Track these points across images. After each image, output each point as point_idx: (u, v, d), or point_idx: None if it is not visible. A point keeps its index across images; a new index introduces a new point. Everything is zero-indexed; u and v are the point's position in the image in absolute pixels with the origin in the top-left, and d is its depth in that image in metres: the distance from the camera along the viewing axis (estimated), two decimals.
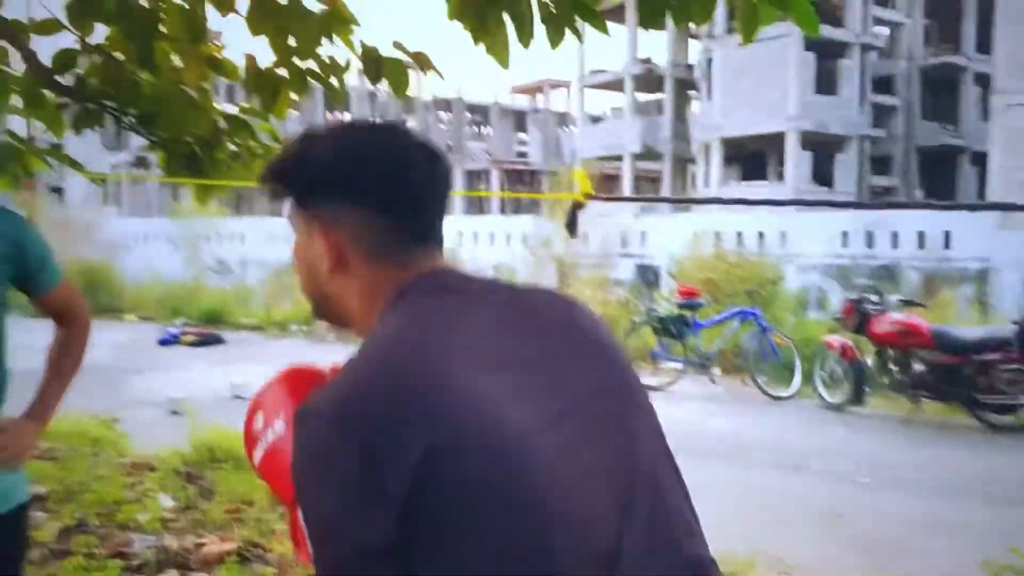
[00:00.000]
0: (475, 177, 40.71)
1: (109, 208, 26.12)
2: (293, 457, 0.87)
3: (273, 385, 1.07)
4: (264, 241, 16.52)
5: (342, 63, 3.08)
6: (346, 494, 0.82)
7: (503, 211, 37.12)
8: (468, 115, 45.23)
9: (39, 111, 3.15)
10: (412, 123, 45.44)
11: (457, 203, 38.90)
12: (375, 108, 45.55)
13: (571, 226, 1.21)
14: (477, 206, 40.09)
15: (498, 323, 0.96)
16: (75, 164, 2.24)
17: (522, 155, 44.85)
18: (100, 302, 13.13)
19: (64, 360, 1.91)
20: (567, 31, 3.16)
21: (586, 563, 0.86)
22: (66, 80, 3.04)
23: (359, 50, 2.98)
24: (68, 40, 2.88)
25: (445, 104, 44.04)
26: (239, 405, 6.89)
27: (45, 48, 2.93)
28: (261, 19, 2.96)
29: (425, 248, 1.00)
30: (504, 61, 3.21)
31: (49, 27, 2.98)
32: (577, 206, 1.20)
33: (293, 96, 3.19)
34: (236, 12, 3.16)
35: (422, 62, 3.01)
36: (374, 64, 2.94)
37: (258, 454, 1.04)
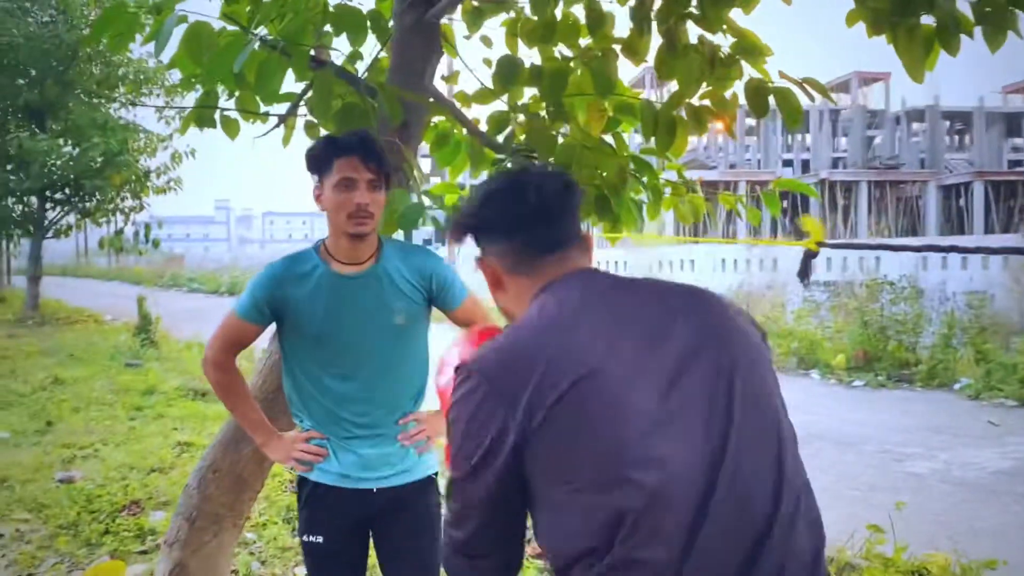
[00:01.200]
0: (954, 192, 36.19)
1: None
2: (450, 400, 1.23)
3: (460, 342, 1.51)
4: (714, 268, 16.83)
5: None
6: (479, 433, 1.16)
7: (987, 229, 32.39)
8: (946, 123, 40.50)
9: (480, 167, 3.71)
10: (879, 137, 42.21)
11: (931, 220, 35.00)
12: (838, 124, 43.37)
13: (803, 275, 1.10)
14: (957, 224, 35.57)
15: (621, 305, 1.23)
16: None
17: (1016, 164, 38.69)
18: None
19: None
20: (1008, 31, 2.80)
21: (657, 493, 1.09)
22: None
23: (775, 80, 2.98)
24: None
25: (918, 114, 40.07)
26: None
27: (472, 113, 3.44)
28: (669, 63, 3.13)
29: (554, 255, 1.31)
30: (918, 76, 2.94)
31: (486, 97, 3.53)
32: (810, 255, 1.11)
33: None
34: (646, 61, 3.39)
35: (813, 88, 2.88)
36: (758, 95, 2.91)
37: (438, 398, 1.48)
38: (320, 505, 2.11)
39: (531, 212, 1.30)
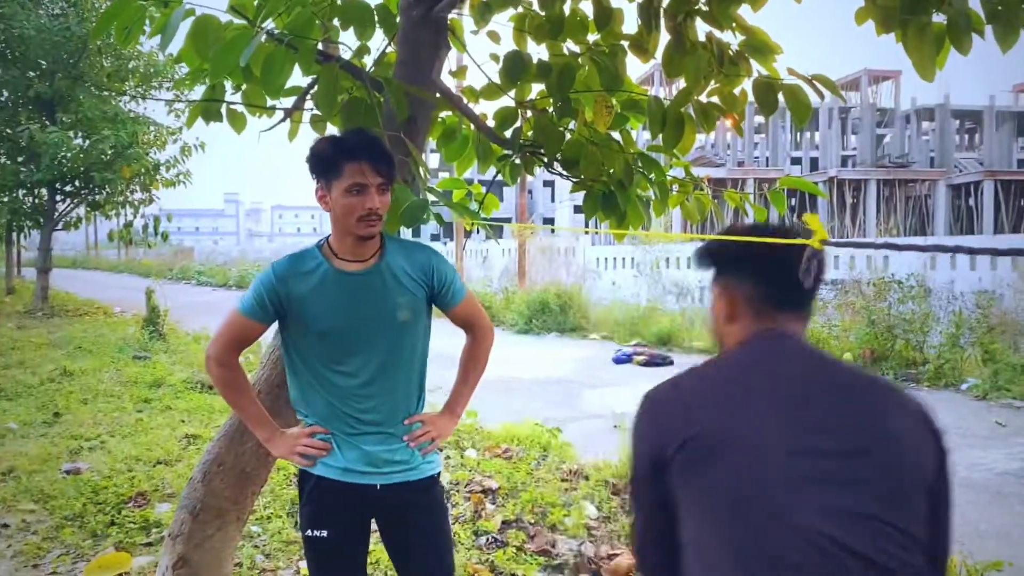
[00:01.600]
0: (964, 191, 36.00)
1: (586, 237, 28.82)
2: None
3: None
4: None
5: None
6: (641, 450, 1.36)
7: (997, 228, 32.23)
8: (956, 122, 40.28)
9: (488, 163, 3.70)
10: (889, 136, 41.99)
11: (940, 219, 34.83)
12: (848, 122, 43.18)
13: (805, 275, 1.11)
14: (966, 223, 35.41)
15: (791, 384, 1.33)
16: (474, 215, 2.60)
17: None
18: (569, 321, 14.64)
19: (470, 366, 2.37)
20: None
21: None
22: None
23: (783, 78, 2.97)
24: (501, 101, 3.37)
25: (928, 112, 39.85)
26: None
27: (480, 108, 3.43)
28: (677, 61, 3.12)
29: (784, 312, 1.44)
30: (928, 74, 2.92)
31: (494, 92, 3.52)
32: (812, 254, 1.11)
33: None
34: (654, 58, 3.38)
35: (823, 85, 2.87)
36: (768, 93, 2.89)
37: None
38: (323, 500, 2.12)
39: (783, 268, 1.41)
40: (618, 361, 11.12)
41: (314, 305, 2.06)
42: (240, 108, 2.98)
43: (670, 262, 17.33)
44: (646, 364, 10.86)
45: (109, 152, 15.36)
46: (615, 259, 19.57)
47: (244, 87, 2.99)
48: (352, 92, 2.87)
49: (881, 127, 41.75)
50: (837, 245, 1.05)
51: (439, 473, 2.27)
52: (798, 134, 44.45)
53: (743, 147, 40.94)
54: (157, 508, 4.47)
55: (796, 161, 42.70)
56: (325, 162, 2.04)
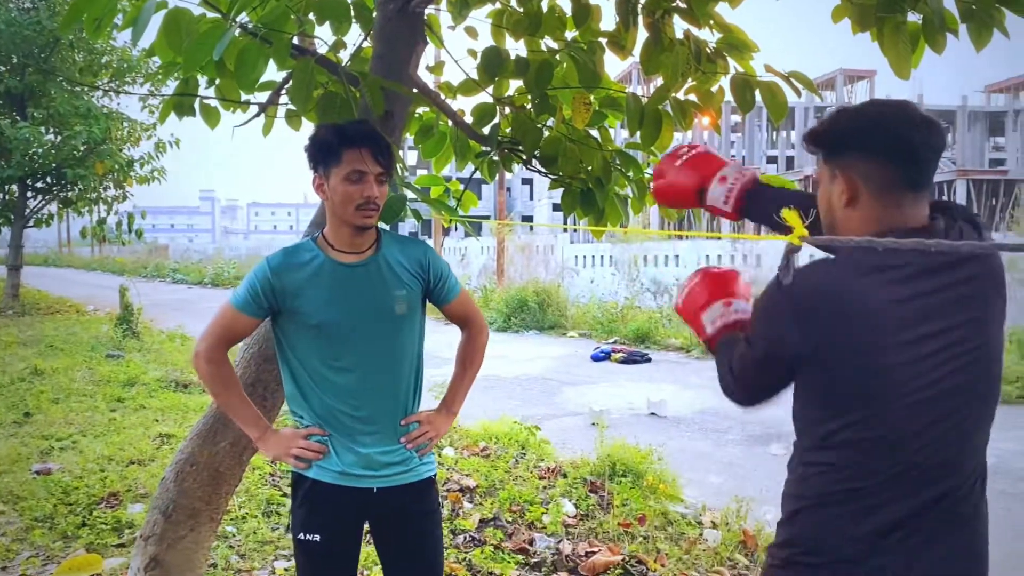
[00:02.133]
0: (936, 190, 36.44)
1: (565, 235, 28.87)
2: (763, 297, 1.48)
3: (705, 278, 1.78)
4: (698, 262, 16.87)
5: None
6: (779, 326, 1.41)
7: None
8: None
9: (465, 160, 3.68)
10: None
11: None
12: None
13: (784, 270, 1.10)
14: None
15: (924, 278, 1.33)
16: (452, 212, 2.58)
17: (998, 163, 39.02)
18: (548, 319, 14.64)
19: (467, 362, 2.35)
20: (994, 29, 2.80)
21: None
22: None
23: (760, 75, 2.97)
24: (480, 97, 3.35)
25: None
26: (653, 422, 7.21)
27: (457, 104, 3.40)
28: (655, 58, 3.12)
29: (916, 194, 1.40)
30: (904, 73, 2.94)
31: (471, 88, 3.50)
32: (792, 249, 1.10)
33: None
34: (632, 56, 3.37)
35: (800, 82, 2.87)
36: (744, 90, 2.90)
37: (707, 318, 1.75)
38: (319, 503, 2.07)
39: (916, 145, 1.39)
40: (596, 359, 11.14)
41: (310, 297, 2.02)
42: (214, 103, 2.94)
43: (647, 260, 17.39)
44: (624, 361, 10.89)
45: (81, 148, 15.15)
46: (593, 257, 19.60)
47: (218, 81, 2.94)
48: (328, 87, 2.84)
49: None
50: (817, 242, 1.04)
51: (435, 475, 2.24)
52: (774, 133, 44.80)
53: (720, 145, 41.18)
54: (130, 509, 4.41)
55: (772, 160, 43.03)
56: (325, 149, 2.00)
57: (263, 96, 3.02)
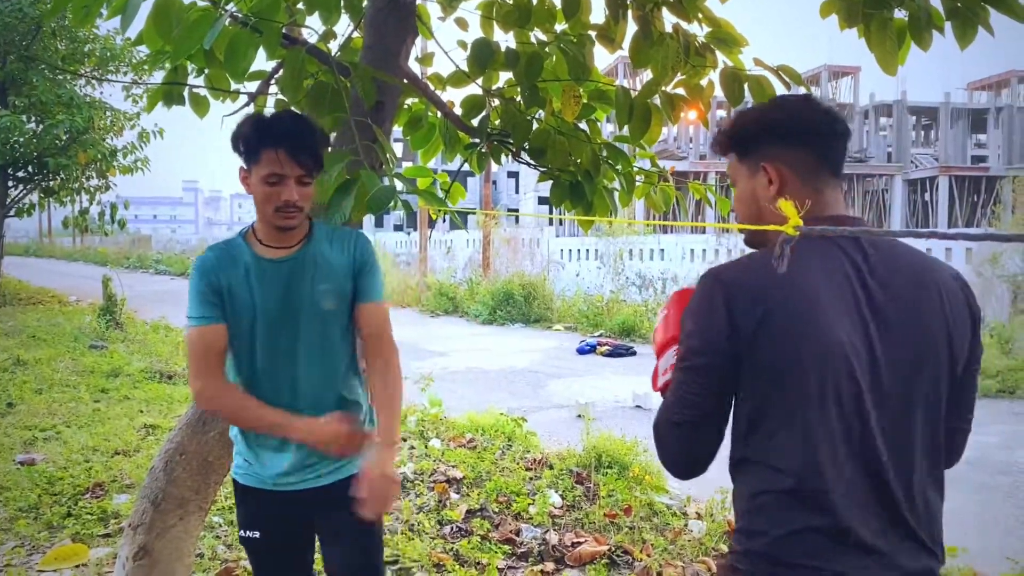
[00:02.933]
0: (919, 186, 36.74)
1: (551, 228, 28.93)
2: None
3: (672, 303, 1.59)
4: (683, 256, 16.93)
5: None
6: (710, 322, 1.36)
7: (951, 223, 32.97)
8: (912, 118, 41.05)
9: (454, 151, 3.68)
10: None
11: (897, 214, 35.51)
12: None
13: (779, 259, 1.10)
14: (922, 217, 36.16)
15: (850, 263, 1.37)
16: (442, 203, 2.58)
17: (980, 160, 39.39)
18: (533, 312, 14.67)
19: (385, 393, 2.05)
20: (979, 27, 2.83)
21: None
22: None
23: (749, 69, 2.99)
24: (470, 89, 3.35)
25: (886, 108, 40.54)
26: (638, 415, 7.24)
27: (447, 96, 3.40)
28: (644, 52, 3.13)
29: (836, 180, 1.47)
30: (890, 69, 2.97)
31: (461, 80, 3.50)
32: (787, 239, 1.09)
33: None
34: (621, 49, 3.38)
35: (788, 76, 2.90)
36: (734, 83, 2.92)
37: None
38: (251, 503, 2.06)
39: (827, 133, 1.46)
40: (582, 352, 11.18)
41: (240, 295, 1.95)
42: (203, 92, 2.93)
43: (633, 253, 17.44)
44: (609, 355, 10.93)
45: (64, 137, 14.97)
46: (579, 250, 19.63)
47: (207, 71, 2.93)
48: (318, 76, 2.83)
49: None
50: (811, 233, 1.06)
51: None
52: None
53: (705, 140, 41.31)
54: (115, 499, 4.40)
55: None
56: (246, 145, 1.93)
57: (252, 86, 3.01)
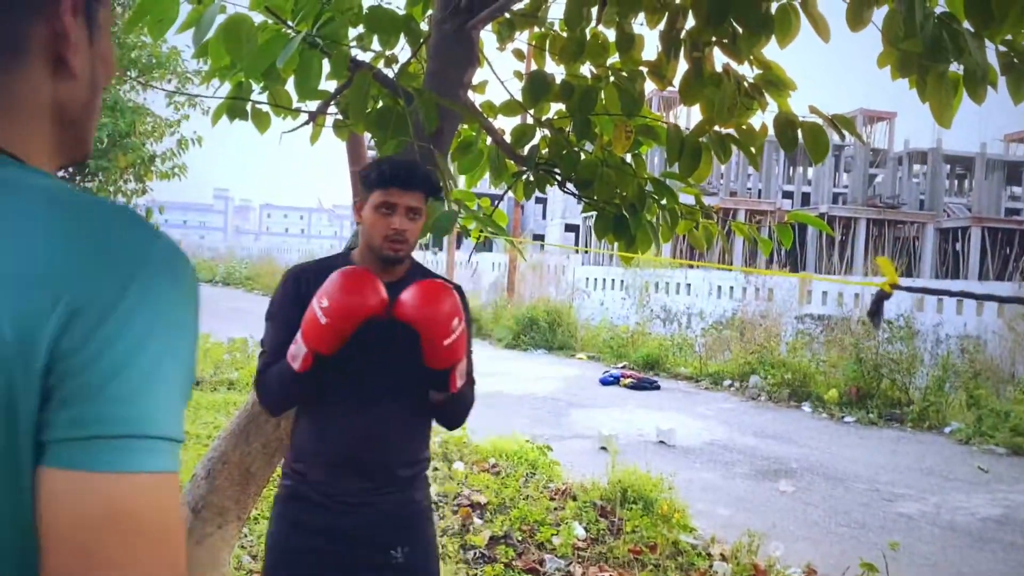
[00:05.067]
0: (951, 236, 36.39)
1: (577, 256, 28.97)
2: None
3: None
4: (709, 293, 16.87)
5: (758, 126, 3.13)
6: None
7: (982, 275, 32.59)
8: (947, 167, 40.80)
9: (501, 178, 3.72)
10: (881, 176, 42.47)
11: (927, 262, 35.18)
12: (841, 159, 43.64)
13: (874, 316, 1.09)
14: (952, 267, 35.78)
15: None
16: (501, 231, 2.61)
17: (1014, 212, 39.01)
18: (557, 339, 14.65)
19: None
20: None
21: None
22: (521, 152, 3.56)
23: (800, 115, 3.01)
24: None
25: (921, 156, 40.34)
26: (662, 450, 7.20)
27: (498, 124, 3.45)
28: (695, 90, 3.16)
29: None
30: (945, 120, 2.97)
31: (513, 108, 3.54)
32: (883, 295, 1.08)
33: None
34: (672, 86, 3.42)
35: (843, 125, 2.91)
36: (788, 129, 2.93)
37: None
38: None
39: None
40: (605, 382, 11.14)
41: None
42: (264, 108, 2.99)
43: (658, 286, 17.40)
44: (633, 387, 10.88)
45: (105, 140, 15.26)
46: (604, 280, 19.62)
47: (270, 88, 2.99)
48: (378, 100, 2.89)
49: (873, 167, 42.20)
50: (909, 290, 1.06)
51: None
52: (790, 168, 44.87)
53: (736, 177, 41.28)
54: None
55: (788, 195, 43.06)
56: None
57: (312, 105, 3.07)
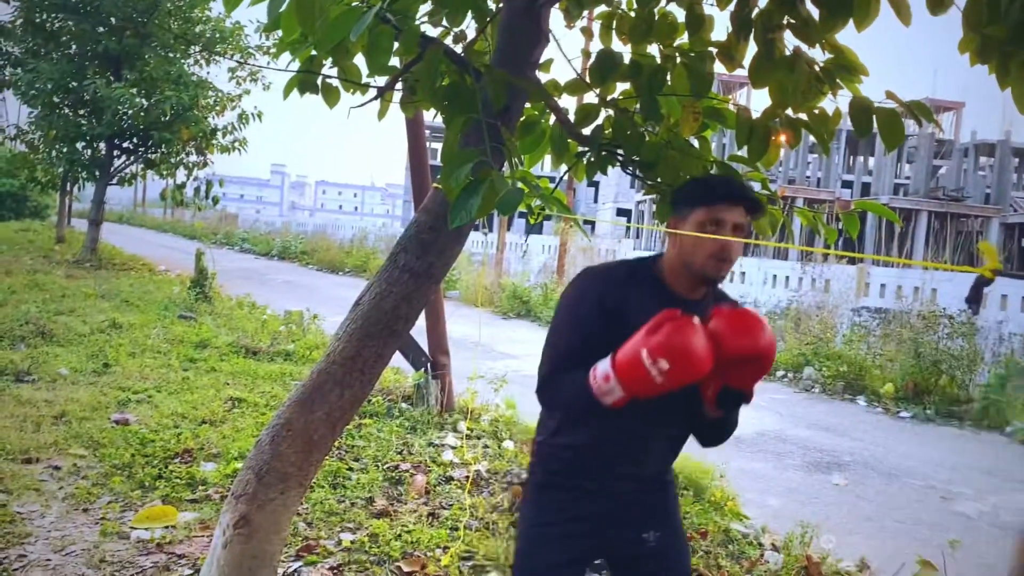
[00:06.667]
0: (1017, 231, 35.19)
1: (628, 240, 28.73)
2: None
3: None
4: (763, 282, 16.62)
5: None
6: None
7: None
8: (1015, 160, 39.40)
9: (563, 158, 3.70)
10: (945, 168, 41.17)
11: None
12: (903, 150, 42.42)
13: (973, 302, 1.06)
14: (1017, 263, 34.63)
15: None
16: (565, 209, 2.60)
17: None
18: None
19: None
20: None
21: None
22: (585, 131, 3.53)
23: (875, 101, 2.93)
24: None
25: (988, 148, 39.02)
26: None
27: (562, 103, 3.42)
28: (765, 72, 3.09)
29: None
30: None
31: (579, 88, 3.52)
32: (983, 281, 1.04)
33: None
34: (742, 67, 3.36)
35: (920, 112, 2.83)
36: (863, 115, 2.85)
37: None
38: None
39: None
40: None
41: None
42: (334, 83, 3.02)
43: None
44: None
45: (169, 113, 15.60)
46: None
47: (339, 63, 3.02)
48: (447, 76, 2.89)
49: (938, 158, 40.97)
50: (1011, 275, 1.03)
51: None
52: (850, 157, 43.81)
53: (796, 165, 40.46)
54: (203, 466, 4.56)
55: (847, 184, 42.08)
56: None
57: (381, 80, 3.08)
